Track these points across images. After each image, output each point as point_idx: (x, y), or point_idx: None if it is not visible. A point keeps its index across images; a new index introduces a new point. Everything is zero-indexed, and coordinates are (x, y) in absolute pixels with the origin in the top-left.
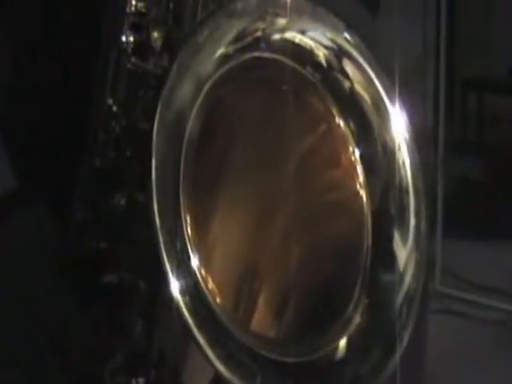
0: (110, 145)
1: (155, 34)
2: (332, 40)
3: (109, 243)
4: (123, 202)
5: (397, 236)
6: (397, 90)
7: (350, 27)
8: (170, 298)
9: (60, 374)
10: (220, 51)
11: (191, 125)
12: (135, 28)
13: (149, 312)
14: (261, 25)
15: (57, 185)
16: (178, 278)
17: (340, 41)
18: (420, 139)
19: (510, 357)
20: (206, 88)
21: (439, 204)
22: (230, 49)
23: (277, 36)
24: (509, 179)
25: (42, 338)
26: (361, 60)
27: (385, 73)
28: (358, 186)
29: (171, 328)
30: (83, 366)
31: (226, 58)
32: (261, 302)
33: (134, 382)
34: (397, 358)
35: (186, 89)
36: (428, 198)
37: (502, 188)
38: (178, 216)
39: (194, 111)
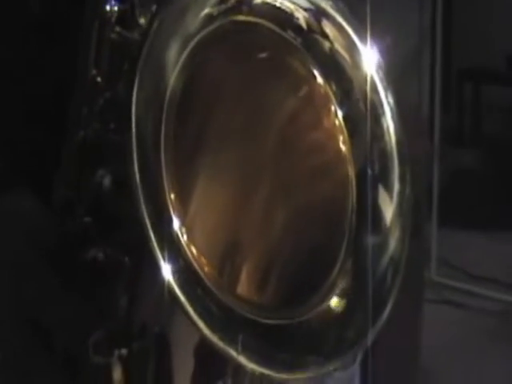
0: (93, 117)
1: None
2: (310, 1)
3: (93, 218)
4: (107, 175)
5: (381, 198)
6: (369, 38)
7: None
8: (160, 272)
9: (43, 348)
10: (205, 12)
11: (172, 86)
12: None
13: (133, 286)
14: None
15: (40, 159)
16: (165, 252)
17: (319, 2)
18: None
19: (505, 347)
20: (189, 48)
21: (435, 194)
22: (215, 10)
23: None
24: (505, 169)
25: (25, 312)
26: (340, 20)
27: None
28: (341, 147)
29: (155, 299)
30: (66, 340)
31: (210, 18)
32: (246, 268)
33: (116, 353)
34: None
35: (168, 47)
36: (413, 163)
37: (498, 178)
38: (161, 187)
39: (176, 72)
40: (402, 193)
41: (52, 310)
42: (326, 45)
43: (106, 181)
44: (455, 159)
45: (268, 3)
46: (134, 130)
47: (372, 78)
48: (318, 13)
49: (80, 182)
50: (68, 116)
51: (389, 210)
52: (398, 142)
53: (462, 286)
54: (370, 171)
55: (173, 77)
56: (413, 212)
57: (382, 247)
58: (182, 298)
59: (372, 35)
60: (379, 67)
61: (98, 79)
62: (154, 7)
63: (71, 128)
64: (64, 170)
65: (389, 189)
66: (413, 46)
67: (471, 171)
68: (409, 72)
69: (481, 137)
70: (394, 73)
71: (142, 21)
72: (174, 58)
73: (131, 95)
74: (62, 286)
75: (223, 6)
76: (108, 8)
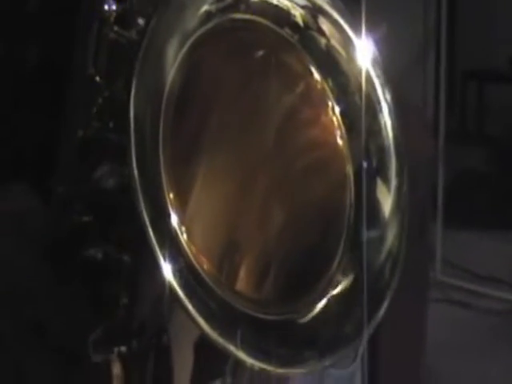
0: (92, 116)
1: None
2: None
3: (92, 217)
4: (106, 174)
5: (379, 191)
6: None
7: None
8: (160, 269)
9: (40, 345)
10: (203, 9)
11: (170, 84)
12: None
13: (132, 284)
14: None
15: (39, 158)
16: (165, 249)
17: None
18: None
19: (510, 346)
20: (187, 45)
21: (439, 194)
22: (213, 7)
23: None
24: (509, 169)
25: (24, 311)
26: (337, 16)
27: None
28: (339, 142)
29: (154, 297)
30: (64, 338)
31: (208, 16)
32: (245, 265)
33: (115, 350)
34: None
35: (167, 45)
36: (417, 163)
37: (503, 178)
38: (160, 186)
39: (174, 69)
40: (399, 188)
41: (50, 307)
42: (323, 41)
43: (105, 179)
44: (460, 159)
45: (265, 1)
46: (132, 129)
47: (368, 73)
48: (315, 10)
49: (79, 180)
50: (66, 114)
51: (387, 203)
52: (395, 138)
53: (466, 286)
54: (365, 164)
55: (171, 75)
56: (415, 212)
57: (379, 241)
58: (182, 294)
59: (368, 29)
60: (375, 62)
61: (97, 78)
62: (152, 6)
63: (70, 127)
64: (62, 169)
65: (387, 182)
66: (418, 47)
67: (476, 171)
68: (414, 73)
69: (485, 136)
70: (393, 69)
71: (140, 21)
72: (173, 56)
73: (130, 95)
74: (61, 284)
75: (221, 4)
76: (107, 8)
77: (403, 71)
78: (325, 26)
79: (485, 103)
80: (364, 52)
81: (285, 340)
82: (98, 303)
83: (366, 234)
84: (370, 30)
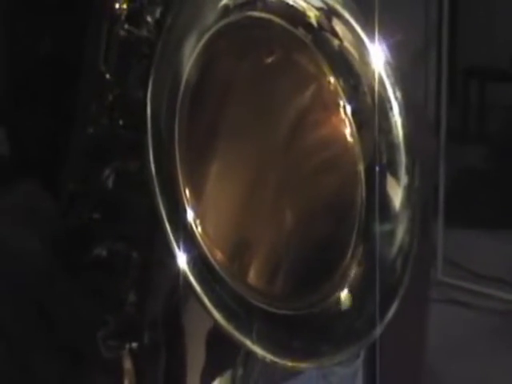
0: (102, 113)
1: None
2: (323, 1)
3: (101, 214)
4: (115, 171)
5: (389, 186)
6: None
7: None
8: (175, 262)
9: (50, 344)
10: (222, 2)
11: (186, 79)
12: None
13: (141, 280)
14: None
15: (48, 154)
16: (180, 242)
17: (330, 1)
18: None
19: (510, 346)
20: (203, 40)
21: (441, 193)
22: (231, 2)
23: None
24: (510, 167)
25: (32, 307)
26: (350, 18)
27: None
28: (350, 141)
29: (165, 292)
30: (73, 335)
31: (226, 10)
32: (258, 259)
33: (127, 346)
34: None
35: (185, 41)
36: (420, 161)
37: (504, 176)
38: (175, 180)
39: (190, 64)
40: (410, 185)
41: (59, 304)
42: (335, 42)
43: (115, 176)
44: (461, 157)
45: (282, 1)
46: (149, 125)
47: (380, 73)
48: (330, 12)
49: (88, 177)
50: (76, 112)
51: (397, 198)
52: (406, 136)
53: (467, 286)
54: (377, 164)
55: (187, 69)
56: (421, 209)
57: (390, 236)
58: (198, 287)
59: (379, 32)
60: (387, 63)
61: (107, 76)
62: (162, 4)
63: (79, 124)
64: (71, 166)
65: (397, 178)
66: (419, 45)
67: (477, 170)
68: (415, 70)
69: (487, 135)
70: (402, 69)
71: (149, 19)
72: (190, 51)
73: (146, 90)
74: (69, 280)
75: (239, 0)
76: (117, 6)
77: (406, 68)
78: (338, 27)
79: (486, 101)
80: (376, 54)
81: (299, 334)
82: (108, 300)
83: (378, 229)
84: (382, 31)
